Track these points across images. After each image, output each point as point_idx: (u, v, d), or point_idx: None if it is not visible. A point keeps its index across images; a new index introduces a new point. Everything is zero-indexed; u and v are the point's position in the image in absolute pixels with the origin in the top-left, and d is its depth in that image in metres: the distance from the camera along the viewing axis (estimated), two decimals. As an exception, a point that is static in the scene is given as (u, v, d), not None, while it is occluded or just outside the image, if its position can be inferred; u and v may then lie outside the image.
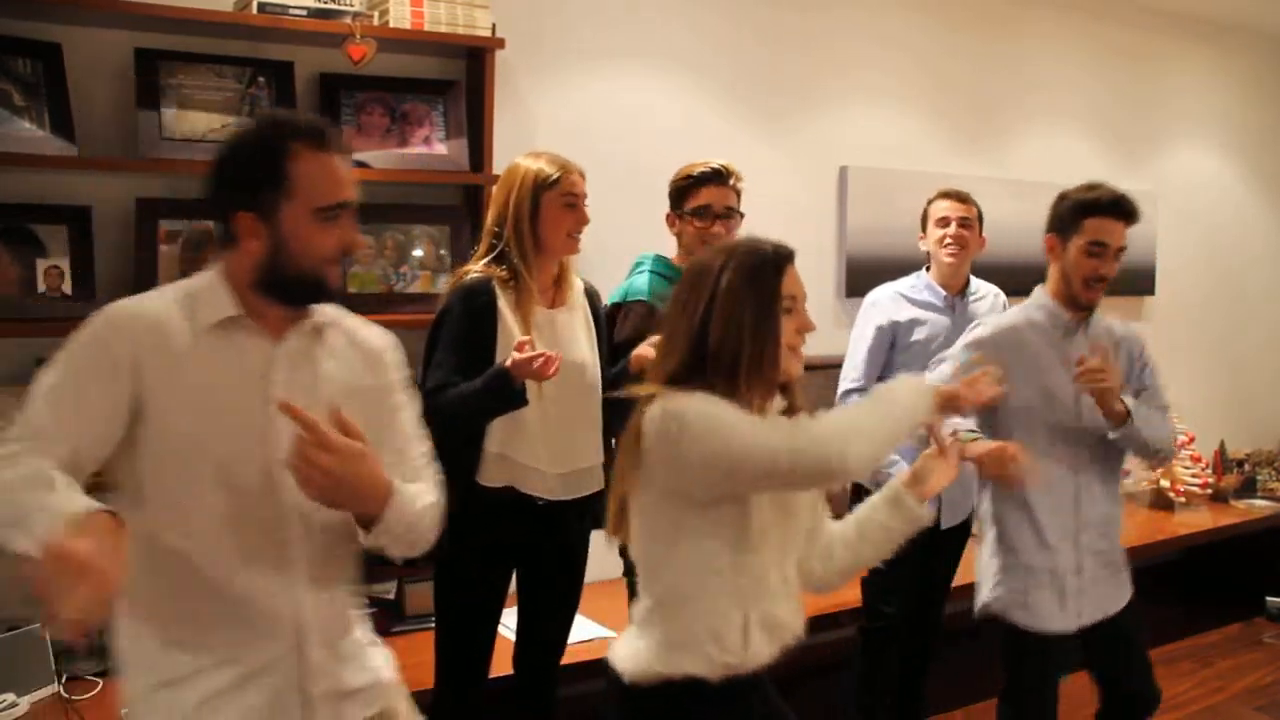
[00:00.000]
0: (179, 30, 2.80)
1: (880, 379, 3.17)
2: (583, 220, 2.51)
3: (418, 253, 3.12)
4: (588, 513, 2.60)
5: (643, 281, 2.76)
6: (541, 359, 2.17)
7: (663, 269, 2.79)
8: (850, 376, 3.22)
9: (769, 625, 1.81)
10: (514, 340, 2.29)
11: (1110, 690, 2.74)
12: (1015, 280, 3.94)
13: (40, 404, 1.48)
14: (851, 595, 3.30)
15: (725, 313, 1.75)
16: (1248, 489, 5.13)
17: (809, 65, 4.07)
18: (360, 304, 1.95)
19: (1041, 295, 2.66)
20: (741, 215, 2.78)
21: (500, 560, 2.54)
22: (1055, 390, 2.57)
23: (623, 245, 3.67)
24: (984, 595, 2.69)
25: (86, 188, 2.76)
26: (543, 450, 2.43)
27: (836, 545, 1.97)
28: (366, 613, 1.79)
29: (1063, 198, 2.62)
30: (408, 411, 1.74)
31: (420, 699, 1.99)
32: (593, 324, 2.59)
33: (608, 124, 3.59)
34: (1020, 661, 2.67)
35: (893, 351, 3.20)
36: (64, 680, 2.61)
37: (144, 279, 2.77)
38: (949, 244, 3.16)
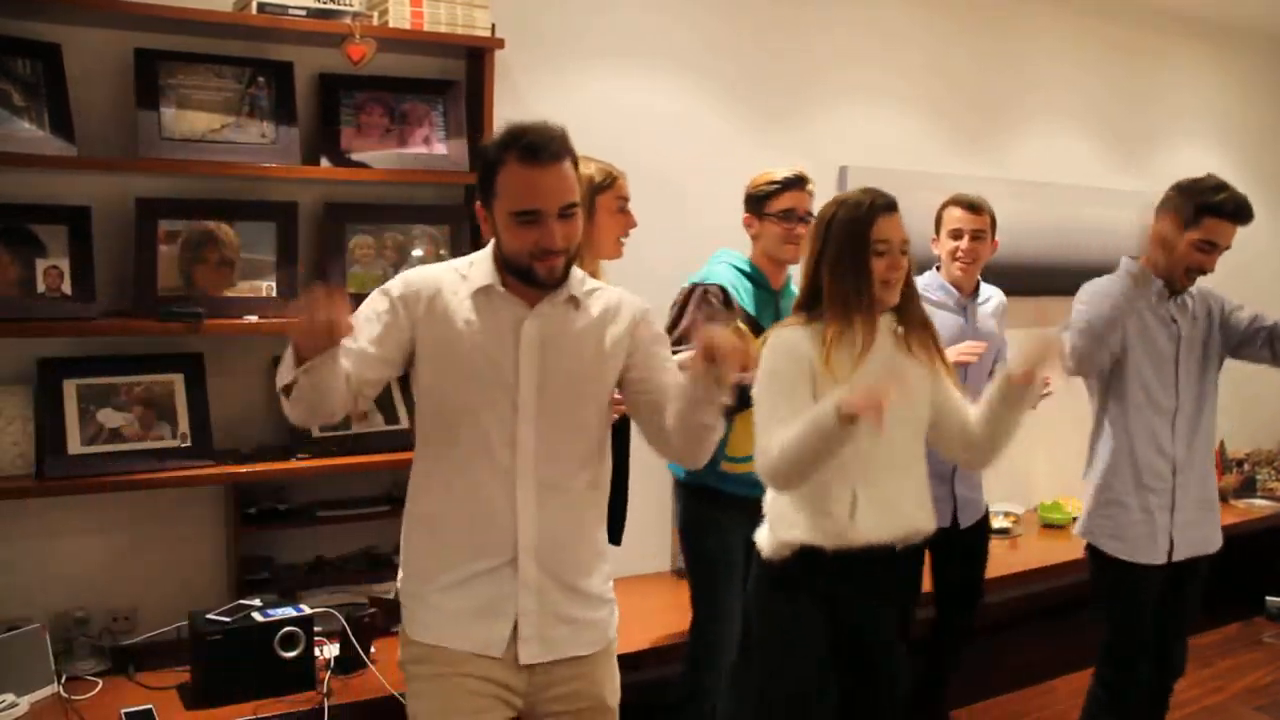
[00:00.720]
0: (178, 30, 2.80)
1: None
2: (631, 223, 2.59)
3: (418, 253, 3.12)
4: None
5: (723, 271, 2.87)
6: None
7: (742, 264, 2.91)
8: None
9: (878, 502, 2.21)
10: None
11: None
12: (1015, 280, 3.96)
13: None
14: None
15: (831, 255, 2.25)
16: (1247, 489, 5.13)
17: (808, 65, 4.06)
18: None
19: (1133, 265, 2.79)
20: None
21: None
22: (1156, 345, 2.81)
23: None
24: (1081, 523, 2.95)
25: (86, 188, 2.76)
26: None
27: (976, 427, 2.33)
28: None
29: (1185, 190, 2.79)
30: (660, 345, 2.04)
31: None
32: None
33: (607, 124, 3.58)
34: (1110, 589, 2.87)
35: None
36: (64, 680, 2.61)
37: (144, 279, 2.78)
38: (961, 256, 3.20)
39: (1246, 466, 5.28)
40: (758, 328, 2.79)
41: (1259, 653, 4.51)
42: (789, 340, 2.26)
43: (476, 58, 3.17)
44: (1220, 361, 2.94)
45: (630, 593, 3.27)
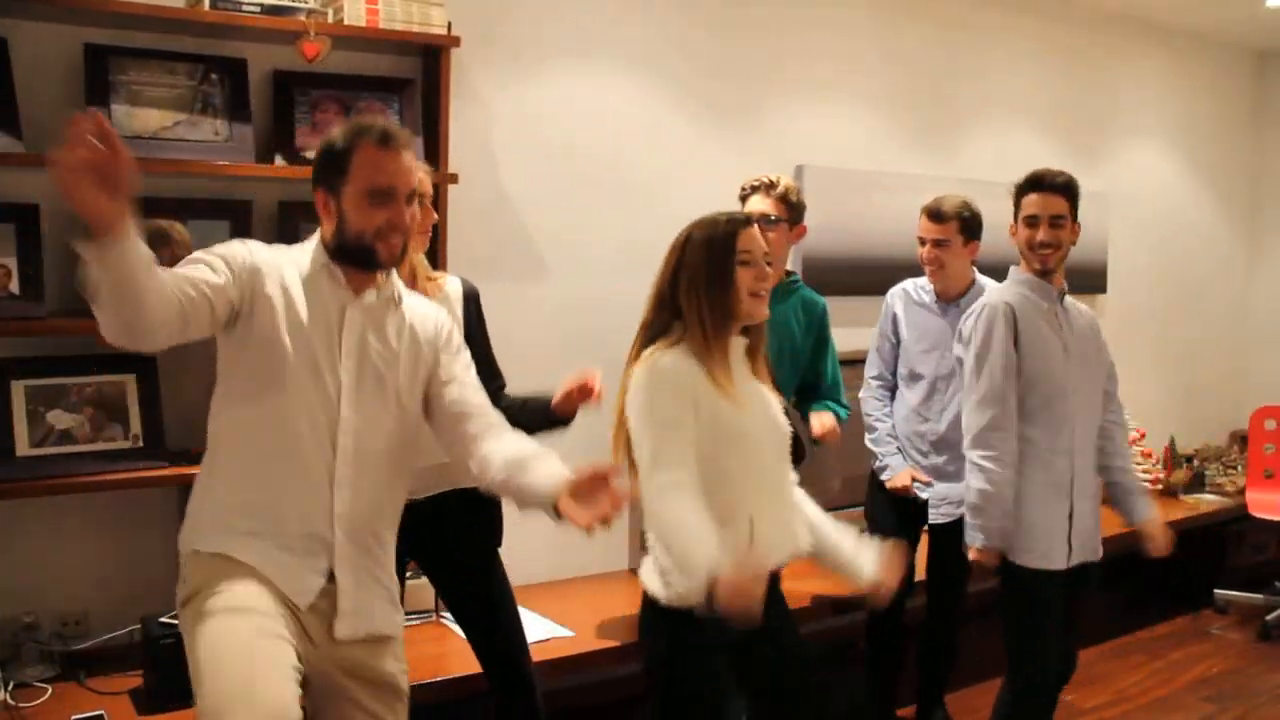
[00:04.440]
0: (129, 25, 2.76)
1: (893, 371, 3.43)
2: (429, 217, 2.54)
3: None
4: (465, 511, 2.57)
5: None
6: None
7: None
8: (869, 369, 3.51)
9: (775, 525, 2.15)
10: None
11: None
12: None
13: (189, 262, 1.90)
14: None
15: (688, 269, 2.16)
16: (1196, 484, 5.23)
17: (766, 64, 4.08)
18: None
19: (1021, 274, 2.91)
20: (786, 222, 2.97)
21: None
22: (1052, 354, 2.81)
23: (578, 239, 3.67)
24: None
25: (34, 185, 2.71)
26: None
27: (809, 531, 2.28)
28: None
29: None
30: (464, 354, 2.16)
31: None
32: (461, 320, 2.53)
33: (564, 122, 3.59)
34: (1020, 599, 2.85)
35: (899, 347, 3.41)
36: (11, 687, 2.57)
37: (94, 278, 2.73)
38: (926, 262, 3.28)
39: (1196, 462, 5.37)
40: None
41: (1207, 644, 4.60)
42: (670, 370, 2.12)
43: (432, 56, 3.15)
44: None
45: (589, 592, 3.28)
